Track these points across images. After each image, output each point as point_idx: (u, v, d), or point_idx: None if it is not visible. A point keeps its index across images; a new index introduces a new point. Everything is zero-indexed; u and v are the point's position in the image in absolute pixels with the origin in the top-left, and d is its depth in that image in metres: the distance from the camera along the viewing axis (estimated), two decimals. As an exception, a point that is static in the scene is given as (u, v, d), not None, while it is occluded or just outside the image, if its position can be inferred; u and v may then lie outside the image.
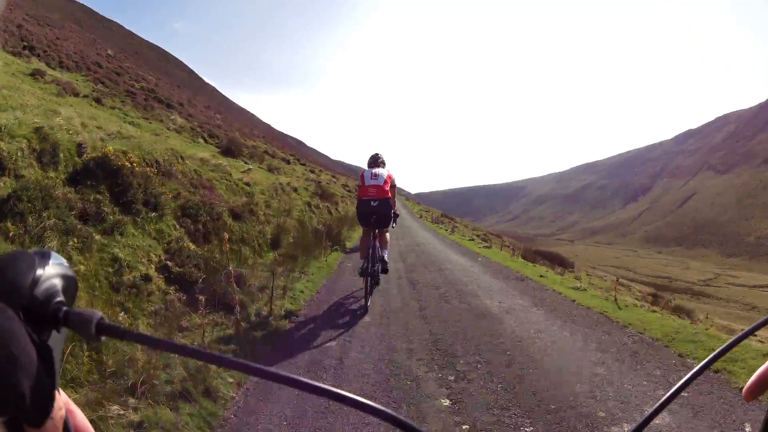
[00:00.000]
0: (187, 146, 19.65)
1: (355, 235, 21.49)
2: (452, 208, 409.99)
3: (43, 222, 6.97)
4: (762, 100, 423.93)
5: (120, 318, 6.47)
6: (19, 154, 7.89)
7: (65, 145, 9.04)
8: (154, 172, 10.84)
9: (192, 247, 9.64)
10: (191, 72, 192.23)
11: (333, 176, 62.46)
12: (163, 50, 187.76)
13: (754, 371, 0.81)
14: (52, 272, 0.65)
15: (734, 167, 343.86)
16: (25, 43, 29.65)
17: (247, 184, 17.05)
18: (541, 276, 14.96)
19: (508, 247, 33.32)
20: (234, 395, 5.58)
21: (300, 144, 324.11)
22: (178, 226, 10.07)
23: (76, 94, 21.14)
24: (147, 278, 7.81)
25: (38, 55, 28.56)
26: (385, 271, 10.53)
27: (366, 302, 9.61)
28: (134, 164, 9.73)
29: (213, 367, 5.71)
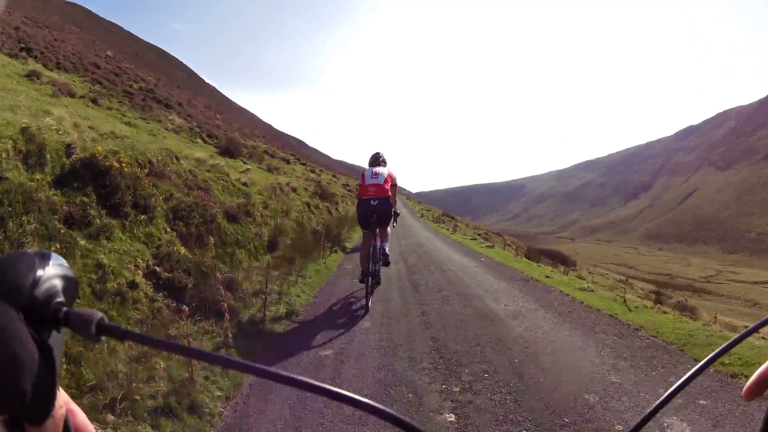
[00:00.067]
0: (185, 146, 19.44)
1: (355, 236, 21.29)
2: (453, 207, 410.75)
3: (23, 227, 6.58)
4: (762, 96, 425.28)
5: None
6: (3, 155, 7.54)
7: (53, 146, 8.68)
8: (146, 173, 10.58)
9: (183, 251, 9.24)
10: (191, 72, 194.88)
11: (334, 176, 62.34)
12: (163, 51, 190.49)
13: None
14: (52, 273, 0.66)
15: (734, 164, 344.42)
16: (23, 45, 29.72)
17: (245, 184, 16.71)
18: (546, 277, 14.52)
19: (511, 246, 32.91)
20: (222, 409, 5.21)
21: (301, 144, 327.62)
22: (169, 229, 9.73)
23: (72, 95, 21.09)
24: (133, 285, 7.40)
25: (35, 57, 28.57)
26: (386, 264, 10.48)
27: (367, 302, 9.53)
28: (123, 165, 9.36)
29: (199, 380, 5.48)
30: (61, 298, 0.65)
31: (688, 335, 7.99)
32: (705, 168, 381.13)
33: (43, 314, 0.62)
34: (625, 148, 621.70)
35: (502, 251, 24.76)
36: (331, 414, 5.06)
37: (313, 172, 44.53)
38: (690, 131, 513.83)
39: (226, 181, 15.45)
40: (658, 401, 0.84)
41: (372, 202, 9.75)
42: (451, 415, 5.15)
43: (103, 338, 0.66)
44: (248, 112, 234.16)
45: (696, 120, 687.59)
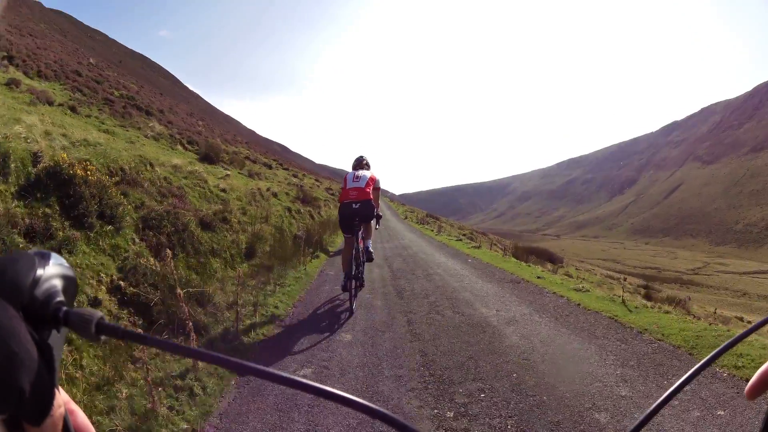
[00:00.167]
0: (163, 153, 19.10)
1: (338, 240, 20.92)
2: (437, 208, 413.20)
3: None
4: (747, 89, 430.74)
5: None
6: (-37, 166, 7.14)
7: (19, 155, 8.30)
8: (117, 181, 10.46)
9: (153, 262, 8.76)
10: (175, 80, 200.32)
11: (317, 180, 62.62)
12: (148, 59, 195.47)
13: None
14: (52, 272, 0.67)
15: (721, 157, 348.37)
16: (4, 53, 29.65)
17: (223, 190, 16.42)
18: (537, 277, 14.00)
19: (498, 246, 32.54)
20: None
21: (284, 149, 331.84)
22: (138, 240, 9.25)
23: (51, 103, 20.83)
24: (96, 302, 6.91)
25: (17, 65, 28.40)
26: (369, 260, 10.65)
27: (351, 305, 9.58)
28: (89, 173, 8.93)
29: (163, 411, 5.01)
30: (61, 298, 0.65)
31: (695, 337, 7.53)
32: (691, 162, 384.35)
33: (43, 314, 0.63)
34: (610, 144, 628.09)
35: (489, 251, 24.17)
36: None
37: (295, 176, 44.61)
38: (675, 126, 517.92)
39: (204, 188, 15.16)
40: (657, 402, 0.85)
41: (354, 205, 9.79)
42: (446, 446, 4.56)
43: (103, 338, 0.66)
44: (231, 118, 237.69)
45: (681, 115, 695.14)
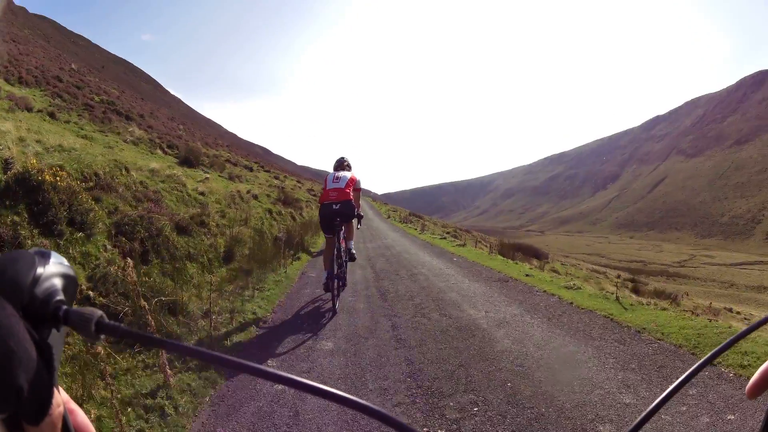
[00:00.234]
0: (141, 158, 19.38)
1: (320, 241, 20.66)
2: (420, 207, 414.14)
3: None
4: (730, 83, 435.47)
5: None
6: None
7: None
8: (89, 186, 10.27)
9: (124, 269, 8.27)
10: (157, 84, 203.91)
11: (298, 181, 62.75)
12: (130, 63, 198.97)
13: None
14: (52, 271, 0.67)
15: (704, 150, 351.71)
16: None
17: (202, 193, 16.28)
18: (526, 275, 13.73)
19: (482, 242, 32.25)
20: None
21: (266, 152, 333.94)
22: (110, 246, 8.94)
23: (30, 109, 21.05)
24: None
25: None
26: (352, 259, 10.72)
27: (334, 305, 9.63)
28: (58, 179, 8.66)
29: None
30: (61, 297, 0.66)
31: (697, 335, 7.25)
32: (674, 156, 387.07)
33: (43, 312, 0.63)
34: (593, 140, 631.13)
35: (474, 249, 23.87)
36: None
37: (276, 178, 44.94)
38: (658, 120, 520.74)
39: (181, 192, 14.99)
40: (656, 401, 0.86)
41: (334, 206, 9.85)
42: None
43: (103, 337, 0.66)
44: (213, 122, 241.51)
45: (663, 110, 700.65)
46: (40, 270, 0.64)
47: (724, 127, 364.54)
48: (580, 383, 5.69)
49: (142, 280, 8.15)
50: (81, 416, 0.73)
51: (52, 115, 21.97)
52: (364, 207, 69.04)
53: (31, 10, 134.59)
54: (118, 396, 4.71)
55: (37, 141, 11.90)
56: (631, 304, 9.78)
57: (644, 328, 7.85)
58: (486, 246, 28.85)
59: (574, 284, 12.07)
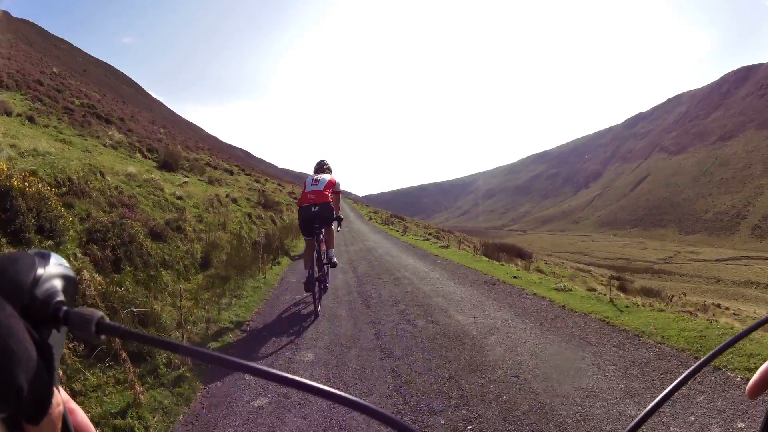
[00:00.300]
0: (120, 162, 19.22)
1: (301, 244, 20.21)
2: (402, 208, 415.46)
3: None
4: (711, 80, 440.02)
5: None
6: None
7: None
8: (63, 192, 10.13)
9: (98, 279, 8.06)
10: (139, 88, 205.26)
11: (279, 184, 62.73)
12: (112, 67, 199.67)
13: None
14: (52, 272, 0.67)
15: (687, 147, 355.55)
16: None
17: (180, 198, 16.16)
18: (514, 277, 13.44)
19: (465, 243, 32.10)
20: None
21: (247, 155, 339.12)
22: (80, 255, 8.61)
23: (9, 113, 20.91)
24: None
25: None
26: (333, 266, 10.86)
27: (315, 308, 9.59)
28: (27, 184, 8.34)
29: None
30: (61, 298, 0.66)
31: (698, 338, 6.97)
32: (657, 153, 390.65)
33: (43, 313, 0.63)
34: (574, 138, 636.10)
35: (458, 251, 23.67)
36: None
37: (257, 181, 45.24)
38: (640, 118, 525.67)
39: (158, 196, 14.82)
40: (653, 402, 0.86)
41: (312, 208, 9.92)
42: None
43: (103, 337, 0.67)
44: (194, 125, 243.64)
45: (646, 107, 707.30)
46: (40, 271, 0.64)
47: (708, 123, 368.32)
48: (582, 394, 5.34)
49: (112, 290, 7.77)
50: (81, 415, 0.74)
51: (31, 119, 21.78)
52: (346, 209, 69.43)
53: (14, 15, 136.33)
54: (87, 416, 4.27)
55: (12, 145, 11.78)
56: (626, 306, 9.47)
57: (643, 332, 7.55)
58: (469, 247, 28.70)
59: (564, 286, 11.76)
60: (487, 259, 19.77)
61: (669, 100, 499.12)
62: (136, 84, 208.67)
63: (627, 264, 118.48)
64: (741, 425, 4.51)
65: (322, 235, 10.29)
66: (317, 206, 9.91)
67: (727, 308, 33.58)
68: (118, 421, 4.87)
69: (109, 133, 27.68)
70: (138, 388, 5.30)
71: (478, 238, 73.83)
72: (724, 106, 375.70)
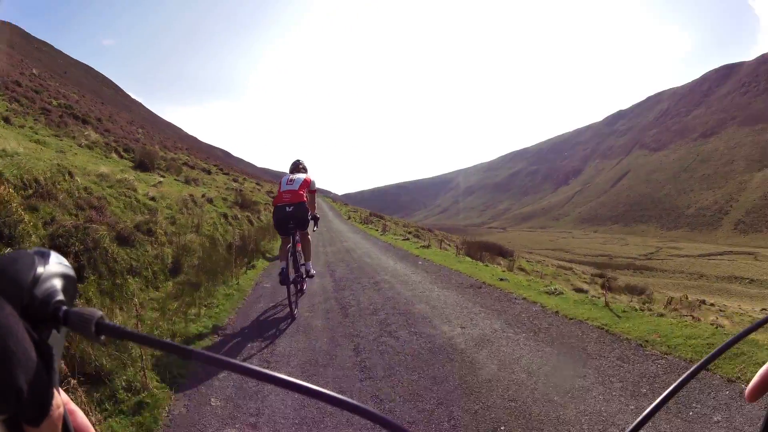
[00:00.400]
0: (93, 162, 18.85)
1: (278, 245, 19.65)
2: (381, 207, 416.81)
3: None
4: (691, 79, 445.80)
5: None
6: None
7: None
8: (27, 194, 9.88)
9: None
10: (118, 89, 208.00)
11: (258, 184, 62.92)
12: (92, 68, 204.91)
13: None
14: (52, 271, 0.67)
15: (668, 144, 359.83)
16: None
17: (153, 198, 15.70)
18: (500, 279, 12.84)
19: (446, 242, 31.73)
20: None
21: (226, 155, 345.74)
22: None
23: None
24: None
25: None
26: (310, 277, 10.78)
27: (292, 310, 9.54)
28: None
29: None
30: (61, 297, 0.66)
31: (706, 346, 6.48)
32: (637, 150, 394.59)
33: (43, 313, 0.63)
34: (554, 136, 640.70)
35: (439, 251, 23.20)
36: None
37: (235, 181, 45.09)
38: (620, 116, 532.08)
39: (130, 197, 14.40)
40: (652, 405, 0.87)
41: (287, 208, 9.85)
42: None
43: (103, 337, 0.66)
44: (173, 125, 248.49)
45: (625, 105, 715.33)
46: (40, 270, 0.64)
47: (689, 120, 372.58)
48: (590, 420, 4.77)
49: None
50: (81, 417, 0.73)
51: (6, 119, 21.62)
52: (324, 208, 69.45)
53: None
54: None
55: (-23, 148, 11.68)
56: (624, 311, 8.88)
57: (646, 341, 7.01)
58: (450, 246, 28.32)
59: (555, 289, 11.20)
60: (470, 259, 19.29)
61: (649, 98, 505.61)
62: (115, 85, 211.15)
63: (608, 260, 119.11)
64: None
65: (298, 237, 10.19)
66: (292, 206, 9.84)
67: (712, 304, 33.52)
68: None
69: (86, 133, 27.56)
70: (92, 417, 4.66)
71: (458, 236, 73.79)
72: (705, 104, 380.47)
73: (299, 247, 10.40)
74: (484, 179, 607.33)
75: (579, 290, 15.78)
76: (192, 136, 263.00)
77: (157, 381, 6.14)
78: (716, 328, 7.82)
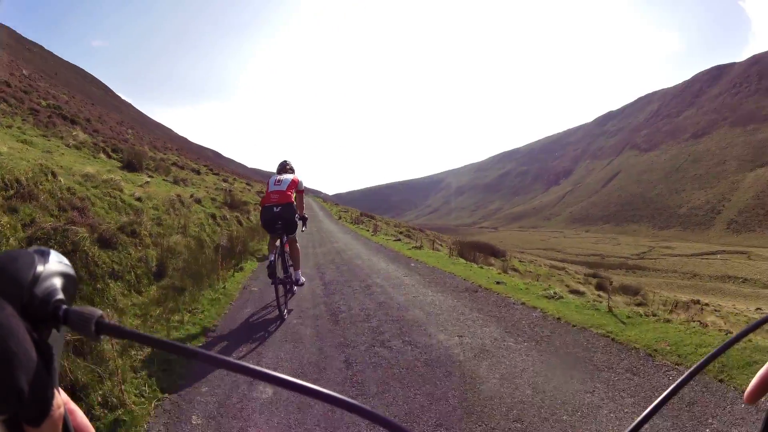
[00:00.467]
0: (80, 162, 18.61)
1: (267, 245, 19.41)
2: (372, 207, 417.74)
3: None
4: (681, 80, 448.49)
5: None
6: None
7: None
8: (8, 195, 9.71)
9: None
10: (108, 89, 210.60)
11: (248, 184, 62.89)
12: (82, 69, 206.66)
13: None
14: (52, 270, 0.67)
15: (659, 144, 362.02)
16: None
17: (139, 199, 15.41)
18: (497, 283, 12.45)
19: (438, 243, 31.44)
20: None
21: (217, 155, 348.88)
22: None
23: None
24: None
25: None
26: (299, 285, 10.77)
27: (281, 311, 9.51)
28: None
29: None
30: (60, 296, 0.66)
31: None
32: (628, 150, 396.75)
33: (43, 312, 0.63)
34: (544, 136, 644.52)
35: (432, 252, 22.91)
36: None
37: (225, 181, 45.24)
38: (610, 116, 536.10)
39: (115, 197, 14.06)
40: (651, 406, 0.87)
41: (275, 208, 9.89)
42: None
43: (103, 337, 0.67)
44: (164, 126, 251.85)
45: (615, 106, 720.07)
46: (39, 268, 0.64)
47: (680, 121, 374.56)
48: (603, 442, 4.32)
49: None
50: (80, 417, 0.74)
51: None
52: (315, 208, 69.59)
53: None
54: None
55: (-41, 146, 11.38)
56: (629, 317, 8.53)
57: (655, 350, 6.67)
58: (443, 246, 28.09)
59: (555, 293, 10.83)
60: (464, 261, 18.91)
61: (639, 99, 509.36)
62: (105, 86, 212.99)
63: (601, 260, 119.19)
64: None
65: (285, 240, 10.14)
66: (279, 206, 9.87)
67: (706, 304, 33.37)
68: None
69: (74, 133, 27.33)
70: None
71: (450, 236, 73.74)
72: (696, 105, 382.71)
73: (287, 248, 10.34)
74: (474, 179, 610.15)
75: (575, 292, 15.45)
76: (182, 137, 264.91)
77: (135, 396, 5.69)
78: (726, 334, 7.47)
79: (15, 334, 0.56)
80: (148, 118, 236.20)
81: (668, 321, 8.29)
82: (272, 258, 9.45)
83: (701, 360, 0.85)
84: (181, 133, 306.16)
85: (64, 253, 7.13)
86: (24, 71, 58.10)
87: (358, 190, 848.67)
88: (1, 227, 8.28)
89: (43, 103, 36.44)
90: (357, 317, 9.44)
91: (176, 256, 12.96)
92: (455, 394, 5.63)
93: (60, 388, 0.65)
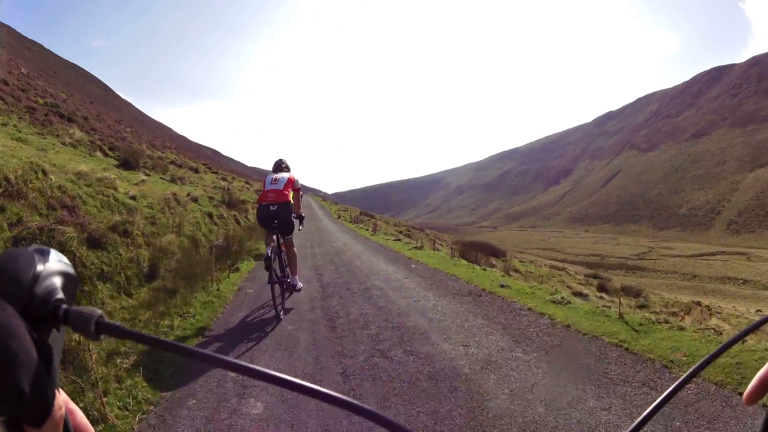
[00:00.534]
0: (75, 160, 18.64)
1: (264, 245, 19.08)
2: (372, 206, 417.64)
3: None
4: (680, 81, 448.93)
5: None
6: None
7: None
8: None
9: None
10: (108, 89, 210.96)
11: (247, 183, 62.95)
12: (82, 69, 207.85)
13: None
14: (52, 269, 0.67)
15: (659, 144, 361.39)
16: None
17: (133, 197, 15.20)
18: (501, 286, 12.03)
19: (439, 242, 31.14)
20: None
21: (216, 154, 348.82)
22: None
23: None
24: None
25: None
26: (296, 290, 10.92)
27: (277, 312, 9.39)
28: None
29: None
30: (60, 296, 0.66)
31: (735, 366, 5.86)
32: (628, 151, 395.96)
33: (43, 312, 0.63)
34: (543, 136, 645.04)
35: (432, 252, 22.46)
36: None
37: (224, 180, 45.24)
38: (610, 117, 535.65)
39: (108, 196, 13.89)
40: (651, 406, 0.88)
41: (271, 207, 9.93)
42: None
43: (103, 336, 0.66)
44: (163, 125, 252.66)
45: (615, 106, 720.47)
46: (39, 268, 0.64)
47: (680, 121, 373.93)
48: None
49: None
50: (80, 417, 0.73)
51: None
52: (314, 207, 69.71)
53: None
54: None
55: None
56: (641, 324, 8.13)
57: (671, 361, 6.35)
58: (443, 246, 27.84)
59: (562, 298, 10.38)
60: (466, 262, 18.48)
61: (639, 99, 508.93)
62: (105, 85, 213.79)
63: (600, 260, 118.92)
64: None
65: (282, 243, 10.27)
66: (276, 205, 9.93)
67: (708, 306, 33.00)
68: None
69: (70, 131, 27.57)
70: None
71: (450, 235, 73.56)
72: (695, 105, 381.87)
73: (283, 248, 10.39)
74: (474, 179, 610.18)
75: (577, 294, 15.12)
76: (182, 136, 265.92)
77: (119, 408, 5.29)
78: (742, 343, 7.09)
79: (16, 334, 0.56)
80: (148, 117, 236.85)
81: (682, 329, 7.90)
82: (269, 251, 9.35)
83: (700, 361, 0.86)
84: (180, 132, 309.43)
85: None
86: (23, 69, 58.01)
87: (358, 189, 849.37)
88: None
89: (41, 101, 36.45)
90: (355, 323, 9.01)
91: (169, 257, 12.74)
92: (462, 412, 5.21)
93: (60, 389, 0.64)
